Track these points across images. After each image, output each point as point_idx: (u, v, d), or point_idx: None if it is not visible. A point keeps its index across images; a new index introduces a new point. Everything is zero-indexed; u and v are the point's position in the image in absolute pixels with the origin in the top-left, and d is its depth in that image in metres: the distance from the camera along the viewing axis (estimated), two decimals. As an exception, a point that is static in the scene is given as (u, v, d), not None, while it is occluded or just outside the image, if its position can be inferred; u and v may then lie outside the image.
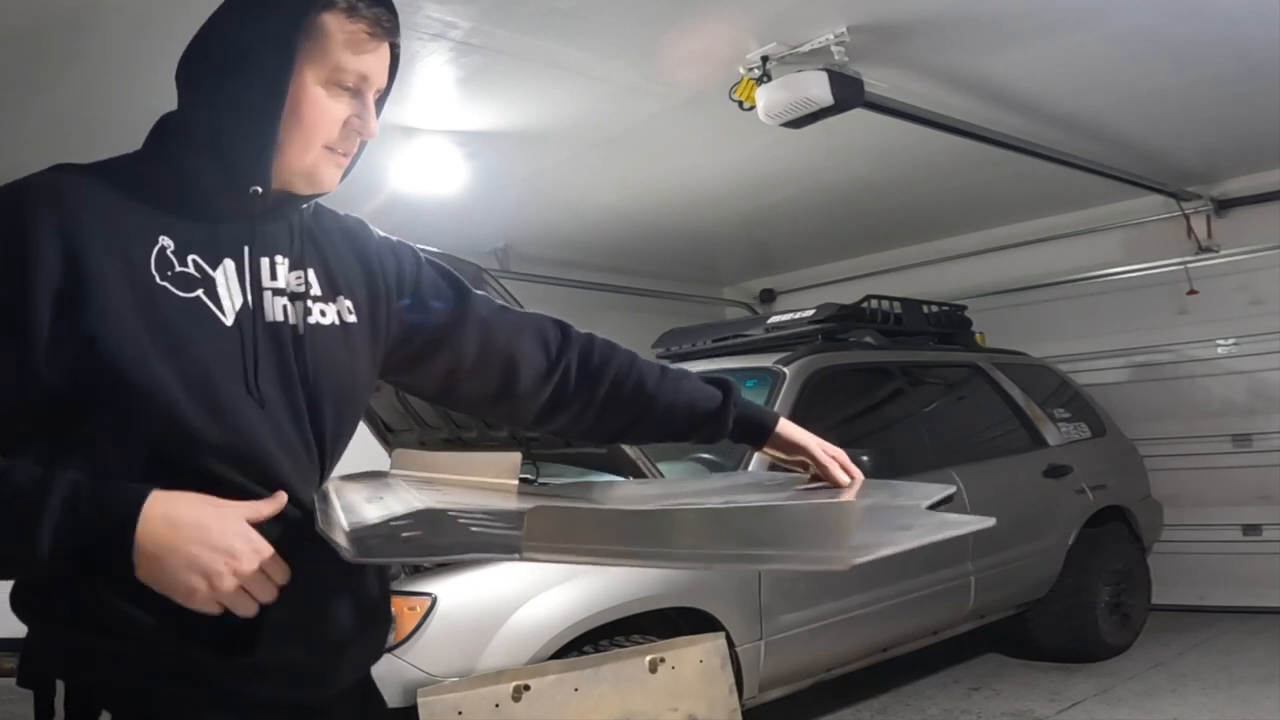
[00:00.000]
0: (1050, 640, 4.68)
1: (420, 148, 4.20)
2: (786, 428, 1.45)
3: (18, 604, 1.07)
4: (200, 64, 1.08)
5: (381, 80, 1.13)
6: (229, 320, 1.05)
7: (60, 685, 1.06)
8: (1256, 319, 5.54)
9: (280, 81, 1.04)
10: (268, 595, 0.98)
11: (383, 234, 1.31)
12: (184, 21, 1.14)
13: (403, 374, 1.33)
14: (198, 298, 1.03)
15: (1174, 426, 5.78)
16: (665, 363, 1.48)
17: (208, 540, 0.95)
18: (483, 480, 1.36)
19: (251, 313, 1.07)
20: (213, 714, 1.06)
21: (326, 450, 1.13)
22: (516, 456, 1.37)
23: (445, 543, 1.00)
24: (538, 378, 1.36)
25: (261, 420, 1.05)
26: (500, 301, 1.39)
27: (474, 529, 1.02)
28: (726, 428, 1.43)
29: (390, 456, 3.84)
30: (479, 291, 1.37)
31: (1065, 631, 4.64)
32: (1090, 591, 4.64)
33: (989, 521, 1.01)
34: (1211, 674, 4.37)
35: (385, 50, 1.12)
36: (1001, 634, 4.77)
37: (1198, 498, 5.67)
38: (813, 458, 1.42)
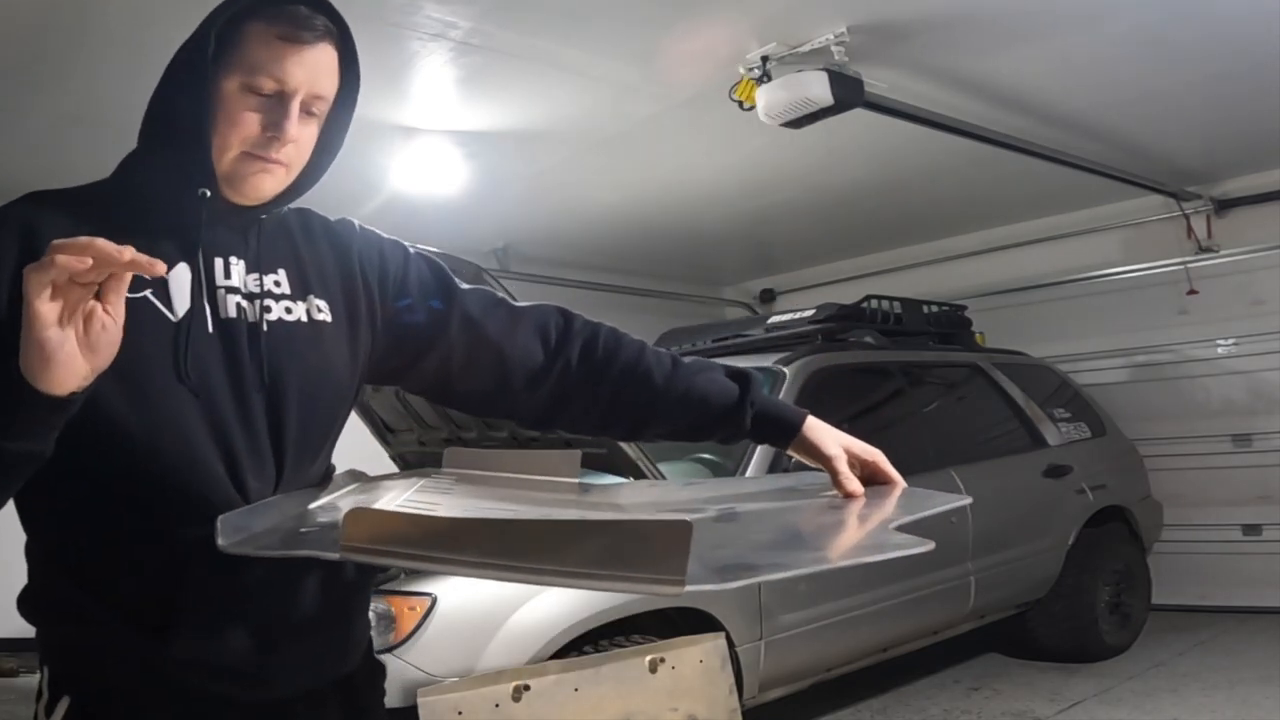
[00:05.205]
0: (1050, 640, 4.68)
1: (420, 148, 4.19)
2: (813, 430, 1.31)
3: (21, 606, 1.11)
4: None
5: (316, 86, 1.10)
6: (175, 317, 1.08)
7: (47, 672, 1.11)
8: (1256, 319, 5.54)
9: (198, 84, 1.06)
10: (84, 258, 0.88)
11: (374, 233, 1.29)
12: (186, 18, 1.14)
13: (398, 378, 1.32)
14: (144, 297, 1.06)
15: (1174, 426, 5.78)
16: (677, 355, 1.37)
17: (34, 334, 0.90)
18: (541, 479, 1.31)
19: (200, 309, 1.09)
20: (167, 706, 1.07)
21: (286, 447, 1.12)
22: (577, 454, 1.31)
23: (272, 540, 1.00)
24: (534, 373, 1.30)
25: (194, 409, 1.06)
26: (500, 295, 1.35)
27: (302, 530, 1.02)
28: (743, 428, 1.32)
29: (389, 456, 3.84)
30: (476, 286, 1.33)
31: (1065, 631, 4.64)
32: (1090, 591, 4.65)
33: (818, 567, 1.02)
34: (1211, 674, 4.37)
35: (317, 54, 1.09)
36: (1001, 634, 4.77)
37: (1198, 498, 5.67)
38: (831, 467, 1.27)
